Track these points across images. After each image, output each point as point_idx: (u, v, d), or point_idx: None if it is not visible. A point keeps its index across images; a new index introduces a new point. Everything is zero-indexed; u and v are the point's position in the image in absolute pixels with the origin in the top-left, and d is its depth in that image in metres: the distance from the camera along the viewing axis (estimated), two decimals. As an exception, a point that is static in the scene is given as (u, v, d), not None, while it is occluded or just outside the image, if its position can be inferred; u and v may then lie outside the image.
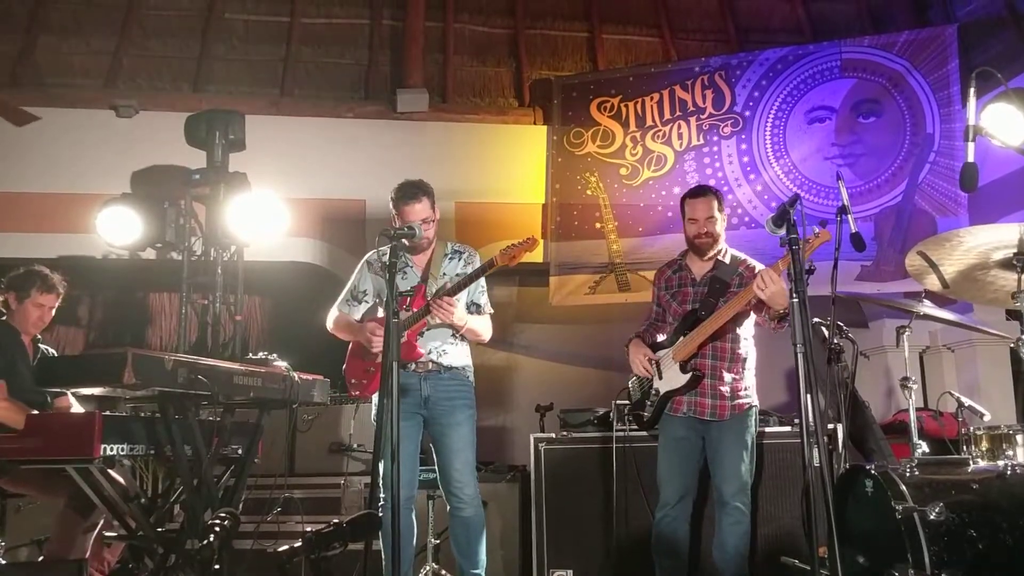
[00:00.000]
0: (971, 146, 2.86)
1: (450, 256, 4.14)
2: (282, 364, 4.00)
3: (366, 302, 4.19)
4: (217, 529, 2.74)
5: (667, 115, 7.01)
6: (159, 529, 3.68)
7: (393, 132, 7.18)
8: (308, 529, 2.82)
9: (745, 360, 4.06)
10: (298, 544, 2.51)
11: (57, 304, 4.40)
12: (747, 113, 6.87)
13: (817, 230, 3.49)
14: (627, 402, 4.33)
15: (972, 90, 2.88)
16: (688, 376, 3.94)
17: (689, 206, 4.13)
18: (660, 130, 7.01)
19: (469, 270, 4.06)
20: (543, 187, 7.19)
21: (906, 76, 6.50)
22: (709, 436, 3.99)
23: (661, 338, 4.18)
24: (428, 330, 3.99)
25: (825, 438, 4.38)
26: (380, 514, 3.23)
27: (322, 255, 7.01)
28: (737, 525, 3.88)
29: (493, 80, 7.54)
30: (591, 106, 7.17)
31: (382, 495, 3.51)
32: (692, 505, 4.06)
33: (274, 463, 4.45)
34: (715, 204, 4.09)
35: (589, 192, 7.07)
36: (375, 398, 4.02)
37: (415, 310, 3.93)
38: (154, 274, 6.69)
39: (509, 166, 7.26)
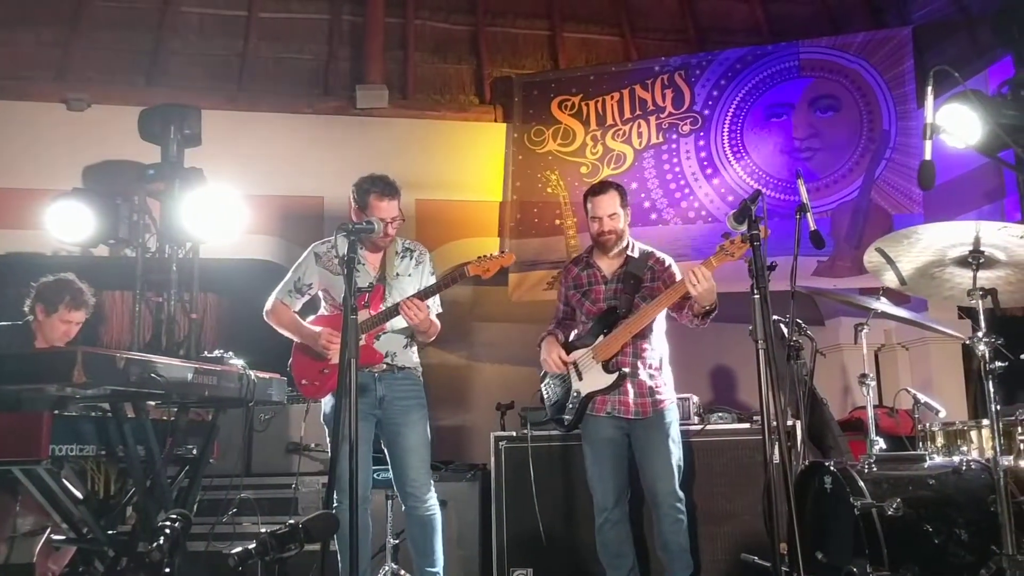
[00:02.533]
0: (929, 144, 2.89)
1: (401, 254, 4.08)
2: (238, 363, 3.93)
3: (308, 295, 4.10)
4: (167, 531, 2.67)
5: (627, 114, 7.04)
6: (110, 532, 3.59)
7: (352, 128, 7.12)
8: (263, 530, 2.76)
9: (662, 357, 4.03)
10: (252, 546, 2.46)
11: (85, 318, 4.39)
12: (706, 112, 6.92)
13: (733, 238, 3.45)
14: (542, 408, 4.20)
15: (930, 88, 2.90)
16: (614, 376, 3.86)
17: (591, 203, 4.03)
18: (620, 129, 7.03)
19: (421, 269, 4.06)
20: (501, 185, 7.17)
21: (863, 74, 6.59)
22: (634, 435, 3.95)
23: (572, 337, 4.09)
24: (384, 334, 3.94)
25: (785, 435, 4.46)
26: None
27: (280, 252, 6.92)
28: (676, 523, 3.86)
29: (454, 77, 7.51)
30: (552, 104, 7.18)
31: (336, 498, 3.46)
32: (629, 504, 4.02)
33: (230, 463, 4.37)
34: (618, 200, 4.01)
35: (549, 190, 7.07)
36: (327, 398, 3.96)
37: (373, 312, 3.86)
38: (107, 271, 6.53)
39: (469, 163, 7.25)
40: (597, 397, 3.91)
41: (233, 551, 2.40)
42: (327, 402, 4.01)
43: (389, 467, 4.00)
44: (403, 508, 3.97)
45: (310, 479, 5.02)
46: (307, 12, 7.26)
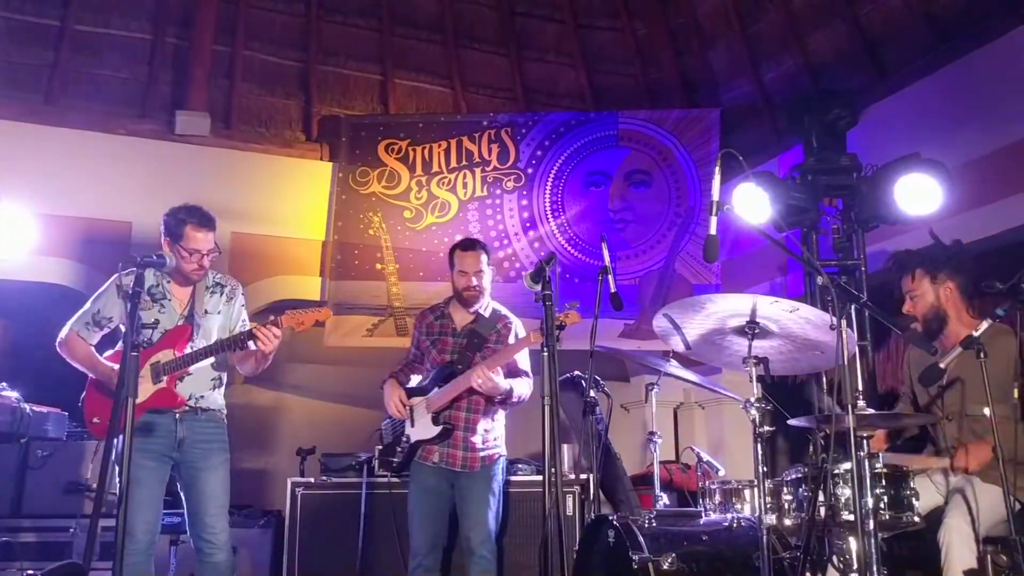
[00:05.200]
0: (714, 220, 3.09)
1: (212, 289, 3.92)
2: (12, 395, 3.66)
3: (108, 328, 3.87)
4: None
5: (453, 163, 7.16)
6: None
7: (169, 154, 6.88)
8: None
9: (497, 412, 4.14)
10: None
11: None
12: (530, 170, 7.14)
13: (568, 309, 3.61)
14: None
15: (717, 169, 3.13)
16: (439, 429, 3.96)
17: (459, 258, 4.15)
18: (446, 177, 7.14)
19: (233, 304, 3.93)
20: (324, 224, 7.09)
21: (674, 152, 7.02)
22: (459, 485, 4.03)
23: (416, 380, 4.17)
24: (190, 376, 3.76)
25: (577, 488, 4.59)
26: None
27: (79, 278, 6.52)
28: (485, 573, 3.93)
29: (281, 112, 7.41)
30: (379, 147, 7.20)
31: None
32: (443, 553, 4.06)
33: (-3, 503, 4.04)
34: (484, 258, 4.14)
35: (371, 232, 7.05)
36: (120, 439, 3.74)
37: (179, 354, 3.68)
38: None
39: (291, 200, 7.14)
40: (425, 446, 4.00)
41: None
42: (120, 443, 3.77)
43: (182, 511, 3.80)
44: (196, 554, 3.78)
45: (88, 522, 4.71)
46: (128, 29, 6.95)
